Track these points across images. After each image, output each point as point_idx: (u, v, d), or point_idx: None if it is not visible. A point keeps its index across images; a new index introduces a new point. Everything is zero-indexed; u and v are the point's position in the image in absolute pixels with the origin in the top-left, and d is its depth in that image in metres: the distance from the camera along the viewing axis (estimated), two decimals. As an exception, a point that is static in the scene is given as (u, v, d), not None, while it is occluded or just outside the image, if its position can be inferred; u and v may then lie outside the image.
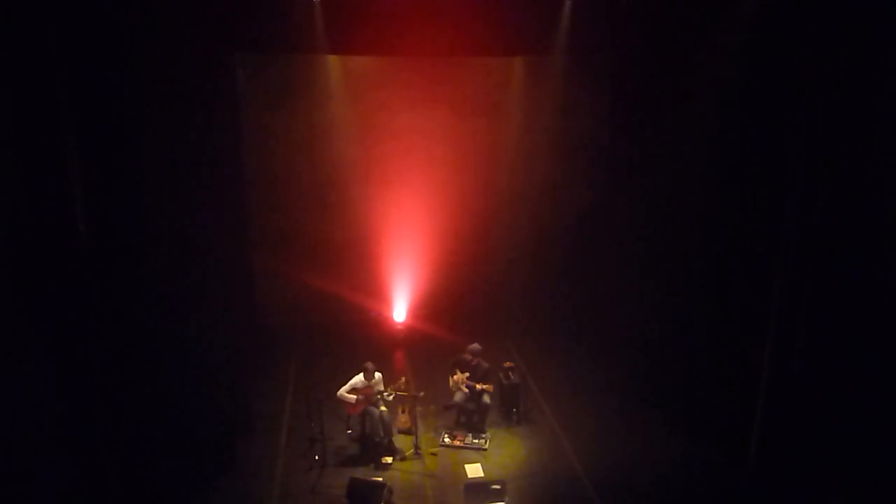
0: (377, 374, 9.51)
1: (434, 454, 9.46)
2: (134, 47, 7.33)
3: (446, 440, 9.73)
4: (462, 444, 9.65)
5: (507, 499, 8.30)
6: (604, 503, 8.58)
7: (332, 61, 12.21)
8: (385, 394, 9.48)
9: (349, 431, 9.75)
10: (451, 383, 10.08)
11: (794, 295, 7.85)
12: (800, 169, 7.63)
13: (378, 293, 13.36)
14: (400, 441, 9.66)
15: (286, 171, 12.66)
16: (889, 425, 7.34)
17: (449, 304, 13.51)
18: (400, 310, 13.37)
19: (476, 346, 10.13)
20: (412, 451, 9.43)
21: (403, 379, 9.86)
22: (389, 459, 9.25)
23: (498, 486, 8.31)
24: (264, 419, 10.22)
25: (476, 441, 9.69)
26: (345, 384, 9.40)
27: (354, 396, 9.30)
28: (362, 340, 12.67)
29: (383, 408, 9.52)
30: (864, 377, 7.53)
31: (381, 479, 8.67)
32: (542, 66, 12.65)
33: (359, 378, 9.41)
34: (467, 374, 9.98)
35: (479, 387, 9.85)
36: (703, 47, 9.49)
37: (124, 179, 7.43)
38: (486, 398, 9.91)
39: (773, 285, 8.09)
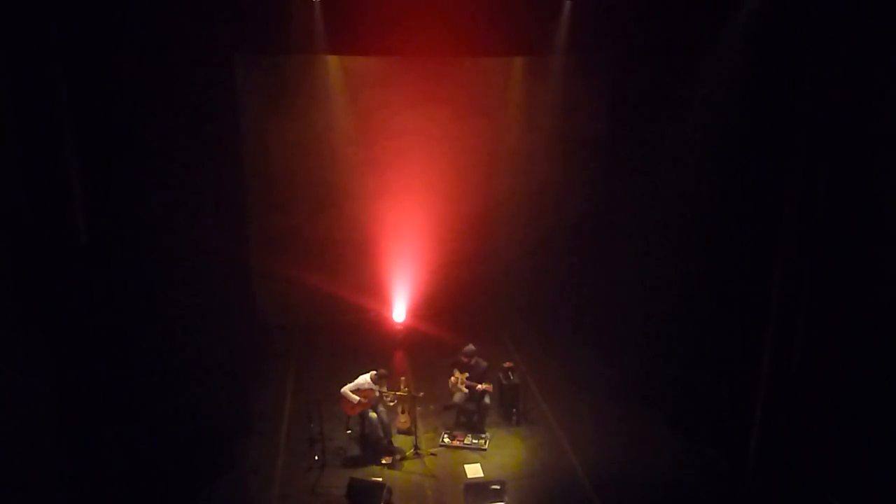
0: (384, 380, 9.51)
1: (434, 454, 9.46)
2: (134, 47, 7.32)
3: (446, 440, 9.73)
4: (462, 445, 9.65)
5: (506, 499, 8.30)
6: (604, 503, 8.58)
7: (332, 61, 12.21)
8: (387, 399, 9.48)
9: (349, 432, 9.75)
10: (451, 384, 10.08)
11: (795, 295, 7.85)
12: (801, 168, 7.63)
13: (378, 293, 13.36)
14: (400, 441, 9.67)
15: (286, 170, 12.66)
16: (889, 425, 7.34)
17: (449, 304, 13.52)
18: (400, 310, 13.37)
19: (470, 347, 10.14)
20: (412, 451, 9.43)
21: (403, 379, 9.87)
22: (389, 459, 9.25)
23: (497, 487, 8.32)
24: (264, 419, 10.22)
25: (476, 441, 9.69)
26: (347, 383, 9.39)
27: (357, 397, 9.30)
28: (362, 340, 12.68)
29: (382, 408, 9.53)
30: (864, 377, 7.53)
31: (380, 479, 8.68)
32: (542, 66, 12.66)
33: (365, 378, 9.41)
34: (466, 375, 9.99)
35: (479, 387, 9.85)
36: (702, 46, 9.49)
37: (124, 179, 7.43)
38: (487, 399, 9.91)
39: (773, 285, 8.09)
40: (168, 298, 8.04)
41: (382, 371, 9.46)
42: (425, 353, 12.23)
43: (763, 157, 8.45)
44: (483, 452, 9.51)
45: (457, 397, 10.02)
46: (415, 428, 9.55)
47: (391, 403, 9.67)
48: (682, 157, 10.04)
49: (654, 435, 9.91)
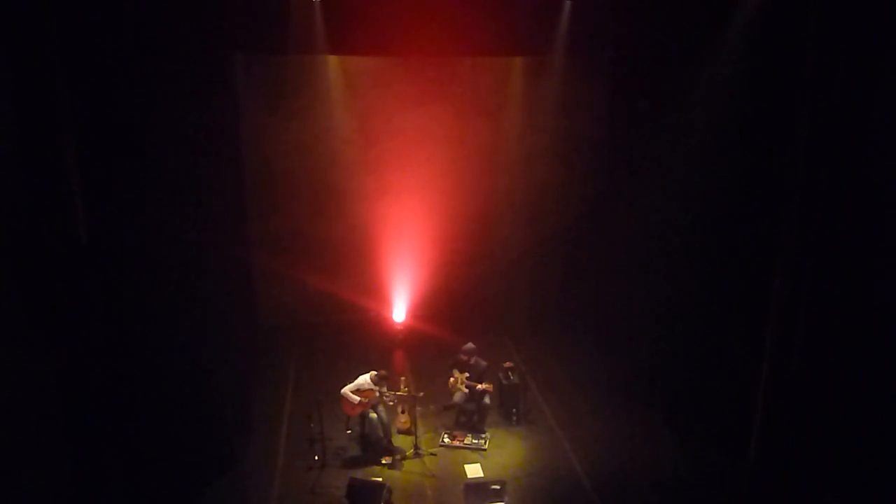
0: (384, 381, 9.51)
1: (434, 454, 9.46)
2: (134, 48, 7.32)
3: (446, 440, 9.73)
4: (462, 445, 9.65)
5: (506, 499, 8.30)
6: (604, 503, 8.58)
7: (332, 61, 12.22)
8: (386, 398, 9.49)
9: (349, 432, 9.75)
10: (450, 384, 10.08)
11: (795, 295, 7.86)
12: (801, 167, 7.63)
13: (378, 293, 13.36)
14: (400, 441, 9.67)
15: (286, 171, 12.67)
16: (889, 425, 7.34)
17: (449, 304, 13.51)
18: (400, 310, 13.37)
19: (470, 345, 10.14)
20: (412, 451, 9.43)
21: (403, 379, 9.88)
22: (389, 459, 9.25)
23: (497, 486, 8.31)
24: (264, 419, 10.23)
25: (476, 441, 9.69)
26: (348, 383, 9.39)
27: (358, 398, 9.30)
28: (362, 340, 12.68)
29: (382, 408, 9.53)
30: (864, 377, 7.53)
31: (380, 479, 8.68)
32: (542, 66, 12.66)
33: (365, 379, 9.41)
34: (467, 374, 9.98)
35: (479, 387, 9.85)
36: (702, 47, 9.50)
37: (124, 180, 7.43)
38: (487, 399, 9.91)
39: (773, 285, 8.09)
40: (168, 298, 8.04)
41: (383, 372, 9.46)
42: (425, 353, 12.23)
43: (763, 157, 8.46)
44: (483, 452, 9.51)
45: (457, 397, 10.01)
46: (415, 428, 9.55)
47: (391, 403, 9.67)
48: (682, 156, 10.04)
49: (654, 435, 9.91)
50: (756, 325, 8.41)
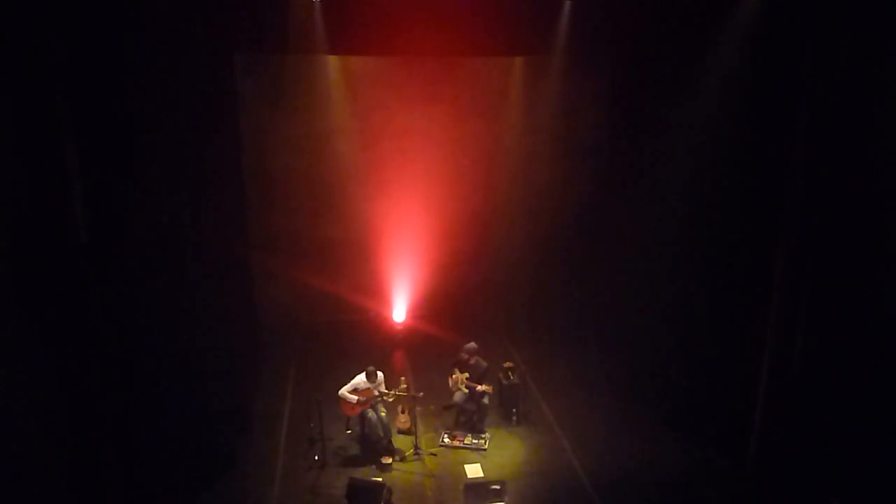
0: (379, 375, 9.50)
1: (434, 454, 9.46)
2: (134, 47, 7.32)
3: (446, 440, 9.73)
4: (462, 445, 9.65)
5: (506, 499, 8.29)
6: (603, 503, 8.58)
7: (332, 61, 12.22)
8: (386, 396, 9.49)
9: (348, 432, 9.75)
10: (450, 384, 10.07)
11: (795, 295, 7.86)
12: (801, 168, 7.63)
13: (378, 293, 13.36)
14: (400, 441, 9.66)
15: (286, 171, 12.67)
16: (889, 425, 7.34)
17: (449, 304, 13.52)
18: (400, 310, 13.36)
19: (472, 344, 10.14)
20: (412, 451, 9.43)
21: (403, 379, 9.87)
22: (389, 459, 9.25)
23: (497, 487, 8.31)
24: (264, 419, 10.22)
25: (476, 441, 9.69)
26: (346, 384, 9.39)
27: (356, 397, 9.30)
28: (362, 340, 12.68)
29: (382, 408, 9.53)
30: (864, 377, 7.53)
31: (380, 479, 8.68)
32: (542, 66, 12.66)
33: (360, 378, 9.40)
34: (467, 375, 9.98)
35: (479, 388, 9.84)
36: (703, 46, 9.50)
37: (124, 179, 7.42)
38: (486, 399, 9.91)
39: (773, 285, 8.09)
40: (168, 298, 8.04)
41: (371, 368, 9.43)
42: (425, 353, 12.24)
43: (763, 156, 8.46)
44: (483, 452, 9.51)
45: (457, 397, 10.01)
46: (415, 428, 9.54)
47: (390, 400, 9.64)
48: (682, 157, 10.04)
49: (653, 435, 9.91)
50: (756, 326, 8.42)
